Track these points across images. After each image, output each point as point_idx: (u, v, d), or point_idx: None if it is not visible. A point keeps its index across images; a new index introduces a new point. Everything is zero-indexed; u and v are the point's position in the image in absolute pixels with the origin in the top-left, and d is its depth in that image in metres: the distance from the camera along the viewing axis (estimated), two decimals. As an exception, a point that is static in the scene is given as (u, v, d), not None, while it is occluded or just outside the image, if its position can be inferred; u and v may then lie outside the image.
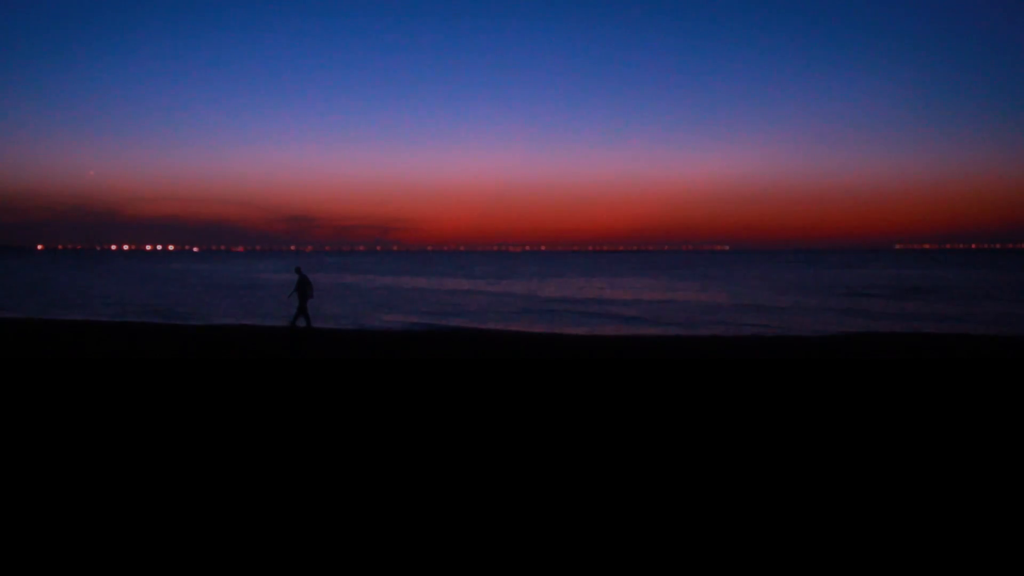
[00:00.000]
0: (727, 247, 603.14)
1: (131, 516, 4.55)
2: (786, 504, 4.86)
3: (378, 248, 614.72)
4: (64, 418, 7.16)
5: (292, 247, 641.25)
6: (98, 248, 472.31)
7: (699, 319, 27.44)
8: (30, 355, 13.37)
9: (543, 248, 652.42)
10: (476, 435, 6.59)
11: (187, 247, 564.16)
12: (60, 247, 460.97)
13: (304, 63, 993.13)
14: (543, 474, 5.47)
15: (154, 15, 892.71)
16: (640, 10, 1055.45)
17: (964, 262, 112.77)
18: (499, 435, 6.60)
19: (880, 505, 4.83)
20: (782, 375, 10.19)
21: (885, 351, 15.30)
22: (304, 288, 20.11)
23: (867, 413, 7.58)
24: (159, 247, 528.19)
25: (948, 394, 8.70)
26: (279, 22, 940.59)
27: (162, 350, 14.52)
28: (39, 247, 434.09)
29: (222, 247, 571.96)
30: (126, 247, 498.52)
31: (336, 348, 15.55)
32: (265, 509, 4.71)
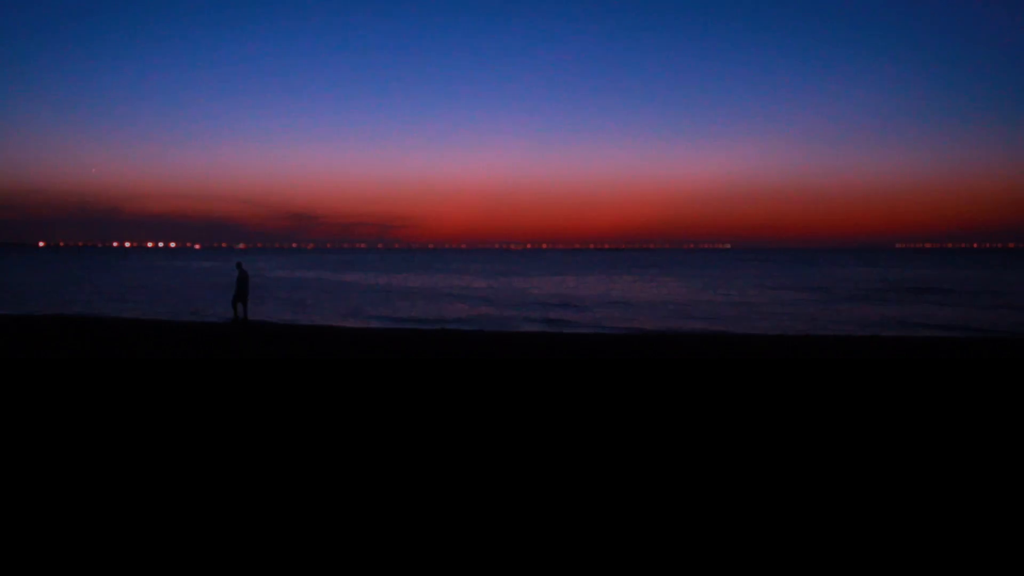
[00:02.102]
0: (728, 245, 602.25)
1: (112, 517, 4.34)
2: (757, 514, 4.55)
3: (380, 246, 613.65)
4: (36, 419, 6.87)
5: (294, 244, 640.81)
6: (100, 245, 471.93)
7: (646, 318, 27.17)
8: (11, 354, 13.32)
9: (544, 246, 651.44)
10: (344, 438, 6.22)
11: (189, 244, 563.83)
12: (62, 244, 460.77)
13: (306, 61, 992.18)
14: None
15: (156, 13, 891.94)
16: (641, 9, 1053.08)
17: (965, 261, 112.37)
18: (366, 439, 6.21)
19: (870, 509, 4.62)
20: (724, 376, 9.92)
21: (876, 352, 15.19)
22: (242, 284, 20.29)
23: (848, 415, 7.08)
24: (161, 244, 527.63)
25: (941, 397, 8.56)
26: (281, 20, 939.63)
27: (122, 349, 14.49)
28: (40, 244, 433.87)
29: (224, 244, 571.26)
30: (128, 244, 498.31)
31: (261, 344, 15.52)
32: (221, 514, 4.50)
